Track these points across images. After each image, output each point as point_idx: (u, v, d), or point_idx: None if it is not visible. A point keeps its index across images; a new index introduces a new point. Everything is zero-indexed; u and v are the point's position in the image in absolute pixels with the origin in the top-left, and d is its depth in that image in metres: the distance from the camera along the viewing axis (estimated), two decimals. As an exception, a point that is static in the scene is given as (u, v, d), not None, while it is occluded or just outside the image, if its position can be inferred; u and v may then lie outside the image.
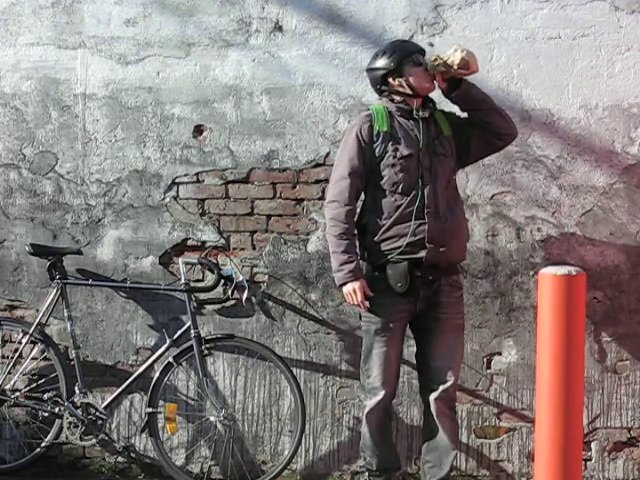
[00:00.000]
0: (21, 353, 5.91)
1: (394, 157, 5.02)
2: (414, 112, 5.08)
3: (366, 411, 5.14)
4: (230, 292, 5.83)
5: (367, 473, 5.27)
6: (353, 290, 5.01)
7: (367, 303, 5.02)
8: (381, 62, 5.11)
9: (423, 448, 5.20)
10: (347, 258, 5.01)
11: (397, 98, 5.13)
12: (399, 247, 4.98)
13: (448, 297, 5.06)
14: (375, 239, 5.04)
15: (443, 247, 4.97)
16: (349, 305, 5.20)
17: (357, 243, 5.08)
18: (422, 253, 4.97)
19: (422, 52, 5.19)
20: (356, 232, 5.09)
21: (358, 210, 5.13)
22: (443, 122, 5.15)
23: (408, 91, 5.08)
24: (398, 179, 5.01)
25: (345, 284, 5.02)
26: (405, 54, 5.10)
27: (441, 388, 5.04)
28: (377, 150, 5.05)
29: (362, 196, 5.14)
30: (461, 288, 5.17)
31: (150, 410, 5.72)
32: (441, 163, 5.06)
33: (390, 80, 5.11)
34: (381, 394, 5.08)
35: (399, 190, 5.01)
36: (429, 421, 5.14)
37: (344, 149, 5.12)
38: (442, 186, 5.04)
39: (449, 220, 5.01)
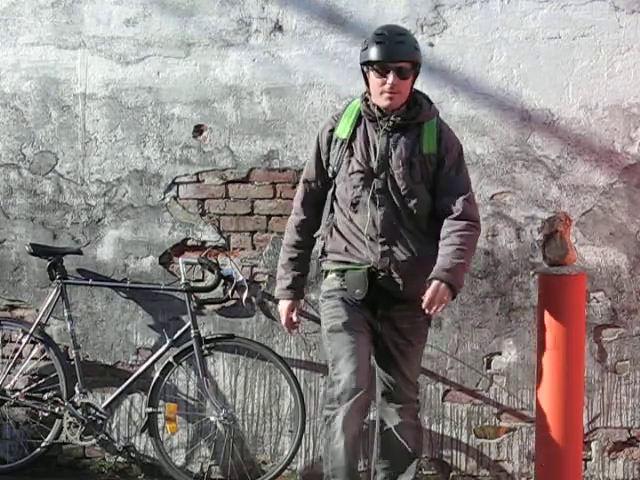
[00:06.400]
0: (21, 353, 5.91)
1: (346, 171, 4.47)
2: (377, 119, 4.48)
3: (338, 417, 4.42)
4: (230, 292, 5.83)
5: None
6: (281, 310, 4.68)
7: (296, 324, 4.68)
8: (361, 47, 4.56)
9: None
10: (283, 273, 4.66)
11: (370, 100, 4.52)
12: (355, 264, 4.49)
13: (409, 323, 4.54)
14: (330, 251, 4.58)
15: (398, 281, 4.45)
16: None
17: (306, 256, 4.73)
18: (377, 277, 4.48)
19: (394, 59, 4.41)
20: (310, 243, 4.70)
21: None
22: (430, 136, 4.49)
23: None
24: (348, 196, 4.46)
25: (279, 300, 4.71)
26: (367, 59, 4.48)
27: (401, 406, 4.64)
28: (332, 159, 4.52)
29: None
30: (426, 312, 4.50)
31: (150, 410, 5.72)
32: (402, 187, 4.44)
33: (366, 72, 4.54)
34: (355, 396, 4.40)
35: (350, 208, 4.48)
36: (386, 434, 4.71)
37: (310, 153, 4.68)
38: (403, 215, 4.44)
39: (409, 255, 4.44)
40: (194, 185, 5.95)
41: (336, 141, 4.50)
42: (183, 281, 5.73)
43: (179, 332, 5.73)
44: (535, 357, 4.87)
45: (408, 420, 4.67)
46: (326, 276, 4.64)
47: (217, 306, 5.92)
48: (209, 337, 5.73)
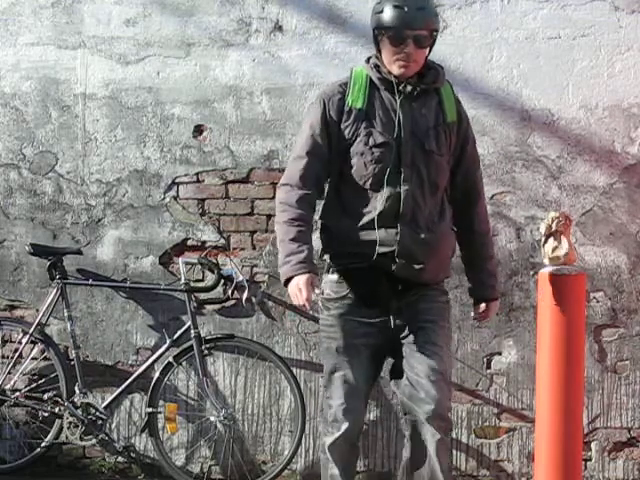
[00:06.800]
0: (21, 353, 5.91)
1: (365, 144, 4.01)
2: (394, 85, 4.05)
3: (327, 445, 4.20)
4: (230, 292, 5.83)
5: None
6: (297, 286, 3.94)
7: (315, 300, 4.01)
8: (374, 9, 4.09)
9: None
10: (296, 247, 3.97)
11: (382, 66, 4.10)
12: (366, 255, 4.01)
13: (430, 302, 4.14)
14: (336, 240, 4.10)
15: (418, 264, 4.03)
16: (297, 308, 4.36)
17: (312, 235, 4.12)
18: (392, 267, 4.03)
19: (416, 27, 4.01)
20: (314, 223, 4.15)
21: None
22: (450, 103, 4.15)
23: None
24: (368, 172, 4.01)
25: (291, 279, 3.96)
26: (381, 24, 4.03)
27: (431, 408, 4.03)
28: (346, 131, 4.04)
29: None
30: (446, 293, 4.29)
31: (150, 410, 5.72)
32: (429, 160, 4.06)
33: (378, 36, 4.10)
34: (344, 427, 4.10)
35: (368, 186, 4.03)
36: (417, 450, 4.10)
37: (306, 123, 4.12)
38: (426, 190, 4.06)
39: (429, 234, 4.05)
40: (194, 185, 5.95)
41: (350, 111, 4.03)
42: (183, 281, 5.73)
43: (179, 332, 5.73)
44: (535, 357, 4.87)
45: (442, 437, 4.04)
46: (327, 274, 4.19)
47: (217, 306, 5.92)
48: (209, 337, 5.73)
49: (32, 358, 5.93)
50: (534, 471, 4.89)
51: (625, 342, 5.69)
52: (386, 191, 4.01)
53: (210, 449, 5.91)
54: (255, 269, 5.90)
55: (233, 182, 5.93)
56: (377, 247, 3.99)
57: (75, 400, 5.77)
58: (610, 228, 5.68)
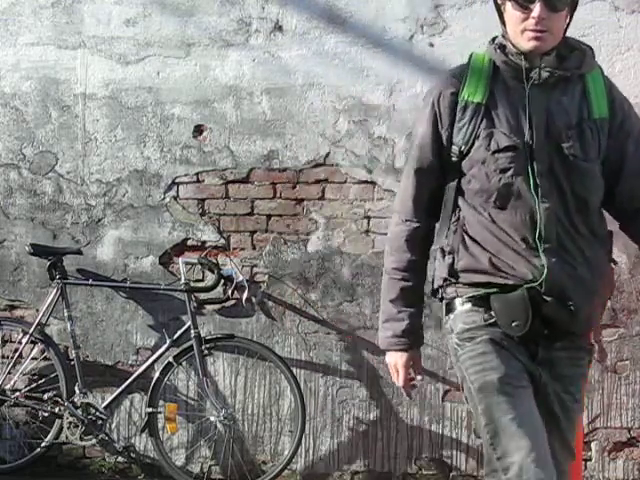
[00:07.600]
0: (21, 353, 5.91)
1: (486, 148, 3.15)
2: (524, 70, 3.15)
3: None
4: (230, 292, 5.83)
5: None
6: (395, 366, 3.32)
7: (414, 384, 3.36)
8: None
9: None
10: (395, 312, 3.28)
11: (510, 46, 3.18)
12: (505, 285, 3.15)
13: (572, 366, 3.24)
14: (462, 266, 3.21)
15: (572, 306, 3.14)
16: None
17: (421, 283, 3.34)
18: (541, 306, 3.14)
19: None
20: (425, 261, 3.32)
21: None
22: (599, 93, 3.21)
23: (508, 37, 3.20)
24: (491, 185, 3.14)
25: (387, 351, 3.34)
26: None
27: None
28: (461, 133, 3.18)
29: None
30: (592, 350, 3.35)
31: (150, 410, 5.72)
32: (572, 168, 3.15)
33: (500, 4, 3.22)
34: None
35: (493, 203, 3.16)
36: None
37: (416, 128, 3.30)
38: (572, 208, 3.18)
39: (585, 267, 3.20)
40: (194, 185, 5.95)
41: (465, 108, 3.16)
42: (183, 281, 5.73)
43: (179, 332, 5.73)
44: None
45: None
46: (454, 308, 3.25)
47: (217, 306, 5.92)
48: (209, 337, 5.73)
49: (32, 358, 5.93)
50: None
51: (625, 342, 5.69)
52: (518, 210, 3.14)
53: (210, 449, 5.91)
54: (255, 269, 5.90)
55: (233, 182, 5.93)
56: (520, 280, 3.14)
57: (75, 400, 5.77)
58: (610, 228, 5.66)
